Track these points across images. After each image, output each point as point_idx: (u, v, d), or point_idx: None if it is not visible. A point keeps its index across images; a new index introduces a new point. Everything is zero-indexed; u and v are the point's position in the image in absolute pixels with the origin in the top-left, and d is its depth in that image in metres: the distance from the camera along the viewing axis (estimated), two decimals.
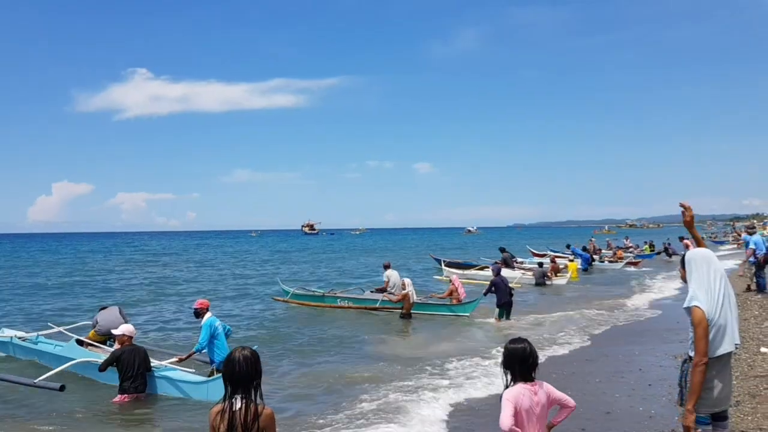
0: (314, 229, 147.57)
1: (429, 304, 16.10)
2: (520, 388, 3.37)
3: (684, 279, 3.94)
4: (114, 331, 8.73)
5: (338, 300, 17.07)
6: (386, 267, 16.93)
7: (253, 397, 3.02)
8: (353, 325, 14.34)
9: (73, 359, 8.95)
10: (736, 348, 3.81)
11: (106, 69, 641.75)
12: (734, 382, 7.49)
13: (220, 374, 8.46)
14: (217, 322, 8.94)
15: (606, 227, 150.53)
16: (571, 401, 3.50)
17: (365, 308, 16.28)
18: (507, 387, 3.39)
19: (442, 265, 28.18)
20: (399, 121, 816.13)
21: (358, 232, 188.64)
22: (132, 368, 8.11)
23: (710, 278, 3.74)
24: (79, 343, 9.60)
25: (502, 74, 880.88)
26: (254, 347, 3.25)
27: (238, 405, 2.99)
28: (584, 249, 31.23)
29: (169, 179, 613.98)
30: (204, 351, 8.81)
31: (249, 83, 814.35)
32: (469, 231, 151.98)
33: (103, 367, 8.30)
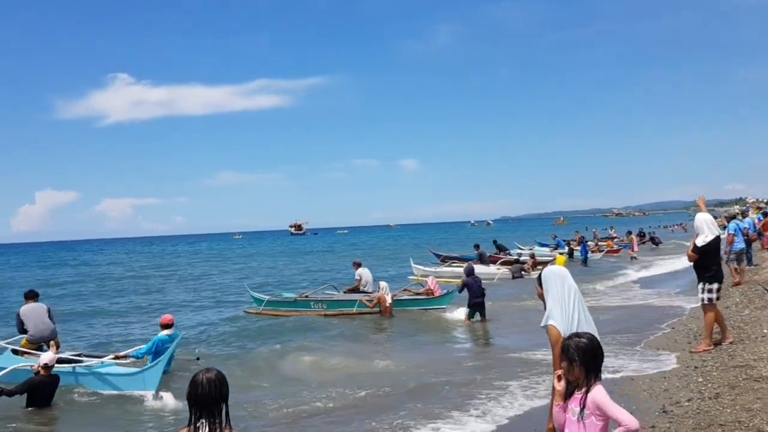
0: (301, 229, 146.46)
1: (404, 300, 15.81)
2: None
3: (540, 296, 3.94)
4: (42, 361, 7.83)
5: (311, 303, 16.01)
6: (357, 266, 16.54)
7: (219, 422, 2.89)
8: (323, 334, 13.31)
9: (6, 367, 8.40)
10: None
11: (86, 75, 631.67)
12: (714, 374, 7.36)
13: (155, 363, 8.43)
14: (168, 342, 9.00)
15: (562, 218, 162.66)
16: None
17: (342, 313, 15.31)
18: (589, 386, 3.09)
19: (412, 263, 27.47)
20: (384, 119, 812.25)
21: (391, 227, 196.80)
22: (46, 402, 7.86)
23: (564, 295, 3.78)
24: (15, 352, 9.23)
25: (483, 70, 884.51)
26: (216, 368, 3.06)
27: (205, 430, 2.86)
28: (581, 240, 31.26)
29: (154, 184, 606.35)
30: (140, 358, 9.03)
31: (231, 85, 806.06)
32: (489, 224, 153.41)
33: (16, 392, 7.62)
